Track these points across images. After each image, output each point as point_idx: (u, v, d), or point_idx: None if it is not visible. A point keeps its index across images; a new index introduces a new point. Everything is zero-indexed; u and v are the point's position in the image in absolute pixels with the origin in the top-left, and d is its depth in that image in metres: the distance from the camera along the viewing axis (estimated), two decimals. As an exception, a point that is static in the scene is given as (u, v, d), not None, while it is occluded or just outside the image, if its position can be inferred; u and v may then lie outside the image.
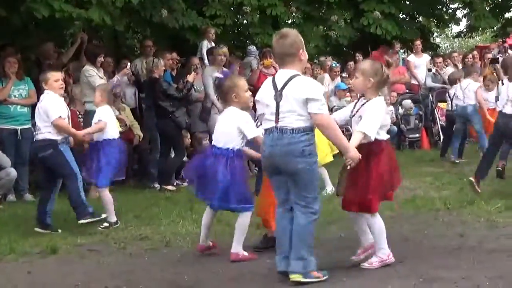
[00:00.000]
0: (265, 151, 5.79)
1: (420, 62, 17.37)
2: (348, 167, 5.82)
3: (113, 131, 8.85)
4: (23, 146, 10.88)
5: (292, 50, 5.71)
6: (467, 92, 12.82)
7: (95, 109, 10.67)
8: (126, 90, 12.85)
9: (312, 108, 5.55)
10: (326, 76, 16.26)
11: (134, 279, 6.10)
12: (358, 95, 6.63)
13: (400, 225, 7.40)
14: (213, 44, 14.39)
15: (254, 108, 12.55)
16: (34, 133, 8.67)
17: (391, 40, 18.67)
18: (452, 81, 14.20)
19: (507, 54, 17.41)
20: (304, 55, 5.79)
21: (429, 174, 11.75)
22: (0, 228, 8.52)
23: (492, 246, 6.58)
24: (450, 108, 14.16)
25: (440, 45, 35.55)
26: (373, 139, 5.90)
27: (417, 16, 22.13)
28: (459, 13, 22.96)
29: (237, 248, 6.62)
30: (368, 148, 5.91)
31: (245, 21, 18.20)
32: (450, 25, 24.73)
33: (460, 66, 16.52)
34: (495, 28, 22.67)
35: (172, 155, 11.94)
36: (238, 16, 18.06)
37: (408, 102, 16.48)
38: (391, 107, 16.11)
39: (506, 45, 18.57)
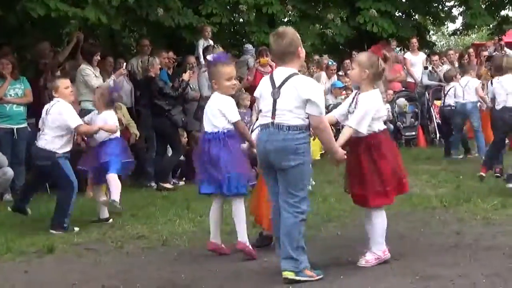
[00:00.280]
0: (260, 146, 5.81)
1: (416, 60, 17.41)
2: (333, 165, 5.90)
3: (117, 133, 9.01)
4: (19, 145, 10.91)
5: (291, 49, 5.73)
6: (467, 89, 12.88)
7: (91, 107, 10.74)
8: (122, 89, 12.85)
9: (311, 109, 5.58)
10: (323, 74, 16.25)
11: (131, 278, 6.09)
12: (353, 89, 6.66)
13: (397, 223, 7.40)
14: (210, 42, 14.39)
15: (250, 107, 12.64)
16: (38, 136, 8.59)
17: (387, 38, 18.70)
18: (448, 78, 14.26)
19: (503, 52, 17.44)
20: (302, 52, 5.82)
21: (426, 172, 11.76)
22: (-4, 227, 8.52)
23: (488, 243, 6.59)
24: (443, 105, 14.23)
25: (436, 43, 35.55)
26: (365, 133, 5.93)
27: (413, 14, 22.18)
28: (455, 11, 23.04)
29: (243, 237, 6.61)
30: (366, 142, 5.94)
31: (241, 20, 18.20)
32: (446, 23, 24.75)
33: (456, 64, 16.55)
34: (491, 25, 22.69)
35: (169, 154, 11.95)
36: (234, 15, 18.07)
37: (402, 100, 16.51)
38: (388, 105, 16.12)
39: (502, 43, 18.58)
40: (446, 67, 16.52)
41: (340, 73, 17.06)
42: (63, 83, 8.57)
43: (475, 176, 10.67)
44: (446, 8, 22.70)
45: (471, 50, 17.56)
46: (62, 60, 12.26)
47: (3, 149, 10.64)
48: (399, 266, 5.94)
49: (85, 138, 10.02)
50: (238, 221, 6.66)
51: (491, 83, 11.67)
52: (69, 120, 8.34)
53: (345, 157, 5.81)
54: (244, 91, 13.71)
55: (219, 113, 6.66)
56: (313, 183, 9.15)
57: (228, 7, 17.19)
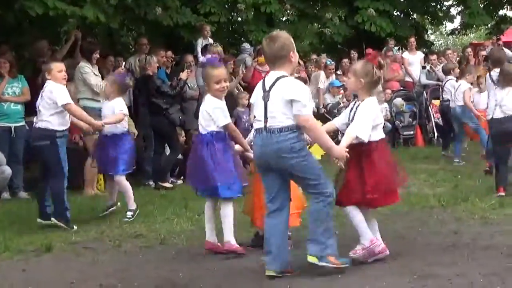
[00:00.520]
0: (257, 151, 5.88)
1: (414, 60, 17.43)
2: (340, 166, 5.89)
3: (126, 124, 9.05)
4: (17, 144, 10.94)
5: (282, 53, 5.76)
6: (457, 93, 12.80)
7: (90, 105, 10.76)
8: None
9: (296, 109, 5.62)
10: (322, 73, 16.27)
11: (129, 276, 6.09)
12: (352, 95, 6.71)
13: (394, 222, 7.41)
14: (209, 41, 14.39)
15: (249, 106, 12.66)
16: (34, 121, 8.59)
17: (385, 37, 18.72)
18: (446, 71, 14.20)
19: (503, 52, 17.41)
20: (295, 57, 5.85)
21: (424, 171, 11.77)
22: (-6, 226, 8.52)
23: (486, 243, 6.59)
24: (442, 99, 14.20)
25: (434, 42, 35.61)
26: (366, 141, 5.96)
27: (411, 13, 22.21)
28: (453, 10, 23.10)
29: (229, 237, 6.68)
30: (359, 149, 5.96)
31: (239, 19, 18.22)
32: (444, 22, 24.79)
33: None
34: (489, 25, 22.73)
35: (167, 153, 11.95)
36: (232, 14, 18.09)
37: (398, 100, 16.54)
38: (385, 104, 16.15)
39: (500, 42, 18.60)
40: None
41: (338, 72, 17.08)
42: (57, 67, 8.54)
43: (473, 176, 10.67)
44: (444, 8, 22.76)
45: (469, 49, 17.55)
46: (60, 59, 12.24)
47: (1, 148, 10.67)
48: (397, 265, 5.94)
49: (82, 136, 10.06)
50: (224, 222, 6.73)
51: (490, 77, 11.62)
52: (58, 97, 8.26)
53: (346, 153, 5.80)
54: (242, 90, 13.74)
55: (208, 116, 6.75)
56: None
57: (226, 6, 17.22)
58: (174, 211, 8.93)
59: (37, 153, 8.60)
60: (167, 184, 11.44)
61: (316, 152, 6.11)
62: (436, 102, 16.21)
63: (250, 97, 12.77)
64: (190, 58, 13.37)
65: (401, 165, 6.56)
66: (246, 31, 17.72)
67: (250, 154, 6.83)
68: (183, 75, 11.84)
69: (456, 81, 13.43)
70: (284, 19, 19.59)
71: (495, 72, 11.23)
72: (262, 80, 5.92)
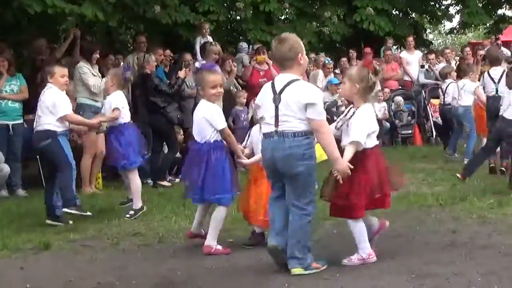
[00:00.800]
0: (266, 155, 5.87)
1: (412, 59, 17.43)
2: (337, 177, 5.88)
3: (126, 115, 8.99)
4: (15, 141, 10.95)
5: (290, 55, 5.77)
6: (462, 93, 12.80)
7: (86, 102, 10.75)
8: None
9: (311, 113, 5.62)
10: (320, 72, 16.27)
11: (127, 274, 6.10)
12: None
13: (393, 221, 7.35)
14: (208, 39, 14.37)
15: (247, 104, 12.68)
16: (34, 124, 8.61)
17: (384, 36, 18.73)
18: (443, 75, 14.28)
19: (500, 51, 17.45)
20: (304, 59, 5.85)
21: (422, 171, 11.78)
22: (-8, 223, 8.53)
23: (484, 242, 6.61)
24: (442, 103, 14.23)
25: (433, 41, 35.64)
26: (366, 146, 5.97)
27: (410, 12, 22.22)
28: (452, 10, 23.10)
29: (210, 242, 6.72)
30: (353, 156, 5.93)
31: (238, 17, 18.20)
32: (443, 22, 24.81)
33: (453, 62, 16.55)
34: (487, 24, 22.74)
35: (165, 151, 11.95)
36: (231, 12, 18.07)
37: (399, 98, 16.55)
38: (384, 104, 16.17)
39: (499, 42, 18.62)
40: (442, 66, 16.51)
41: (336, 71, 17.08)
42: (60, 71, 8.58)
43: (471, 175, 10.66)
44: (443, 7, 22.77)
45: (467, 48, 17.56)
46: (59, 57, 12.26)
47: (-1, 145, 10.66)
48: (395, 264, 5.96)
49: (80, 134, 10.07)
50: (213, 225, 6.75)
51: (489, 75, 11.64)
52: (60, 107, 8.35)
53: (349, 169, 5.78)
54: (240, 88, 13.75)
55: (205, 122, 6.77)
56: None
57: (225, 4, 17.22)
58: (172, 209, 8.93)
59: (42, 154, 8.66)
60: (165, 183, 11.44)
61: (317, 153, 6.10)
62: (435, 102, 16.23)
63: (248, 96, 12.89)
64: (188, 56, 13.38)
65: (398, 168, 6.60)
66: (245, 30, 17.71)
67: (244, 160, 6.87)
68: (181, 74, 11.85)
69: (454, 80, 13.47)
70: (282, 17, 19.61)
71: (494, 70, 11.27)
72: (271, 82, 5.91)
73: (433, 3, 22.27)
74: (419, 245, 6.64)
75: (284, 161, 5.69)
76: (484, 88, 12.04)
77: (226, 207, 6.81)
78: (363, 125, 5.98)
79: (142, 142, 9.19)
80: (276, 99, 5.72)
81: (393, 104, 16.59)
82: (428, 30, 30.85)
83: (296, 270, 5.75)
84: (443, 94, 14.10)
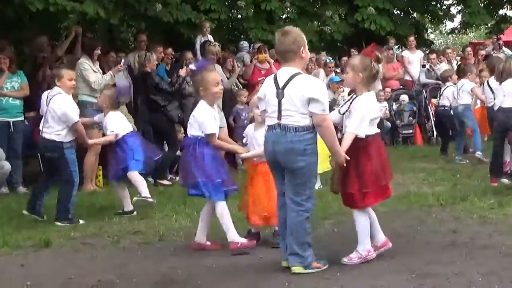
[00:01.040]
0: (268, 147, 5.87)
1: (414, 58, 17.43)
2: (332, 165, 5.98)
3: (127, 127, 9.05)
4: (16, 138, 10.94)
5: (292, 47, 5.77)
6: (461, 93, 12.89)
7: (87, 99, 10.76)
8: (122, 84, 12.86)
9: (315, 108, 5.62)
10: (321, 71, 16.27)
11: (127, 272, 6.11)
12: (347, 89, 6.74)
13: (393, 221, 7.42)
14: (208, 37, 14.38)
15: (248, 103, 12.66)
16: (41, 127, 8.60)
17: (385, 36, 18.72)
18: (444, 78, 14.33)
19: (502, 51, 17.47)
20: (306, 53, 5.86)
21: (422, 170, 11.82)
22: (-8, 221, 8.54)
23: (484, 242, 6.62)
24: (438, 105, 14.36)
25: (434, 41, 35.61)
26: (363, 136, 5.97)
27: (411, 12, 22.21)
28: (453, 10, 23.07)
29: (232, 237, 6.71)
30: (355, 143, 5.96)
31: (239, 16, 18.19)
32: (444, 21, 24.78)
33: (454, 62, 16.57)
34: (489, 24, 22.74)
35: (166, 149, 11.96)
36: (232, 11, 18.07)
37: (405, 97, 16.58)
38: (385, 103, 16.18)
39: (500, 42, 18.61)
40: (444, 65, 16.54)
41: (337, 70, 17.07)
42: (68, 74, 8.59)
43: (472, 175, 10.70)
44: (444, 7, 22.74)
45: (469, 48, 17.55)
46: (61, 54, 12.26)
47: (0, 143, 10.66)
48: (395, 263, 5.98)
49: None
50: (222, 222, 6.78)
51: (488, 85, 11.68)
52: (70, 114, 8.38)
53: (345, 160, 5.83)
54: (241, 87, 13.76)
55: (195, 122, 6.80)
56: (321, 186, 9.22)
57: (226, 3, 17.22)
58: (172, 207, 8.94)
59: (47, 162, 8.65)
60: (165, 181, 11.45)
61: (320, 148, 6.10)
62: (435, 101, 16.24)
63: (249, 95, 12.89)
64: (189, 55, 13.37)
65: (394, 163, 6.63)
66: (246, 28, 17.71)
67: (243, 154, 6.88)
68: (182, 72, 11.84)
69: (455, 83, 13.52)
70: (284, 16, 19.59)
71: (493, 80, 11.30)
72: (273, 76, 5.92)
73: (434, 3, 22.25)
74: (420, 244, 6.65)
75: (285, 155, 5.70)
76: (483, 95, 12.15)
77: (222, 201, 6.79)
78: (364, 116, 5.98)
79: (149, 147, 9.31)
80: (279, 93, 5.72)
81: (394, 103, 16.62)
82: (430, 30, 30.83)
83: (296, 269, 5.76)
84: (439, 96, 14.19)
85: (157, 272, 6.09)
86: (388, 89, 16.64)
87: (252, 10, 17.29)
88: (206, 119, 6.75)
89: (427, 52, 19.31)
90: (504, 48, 17.79)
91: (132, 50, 14.40)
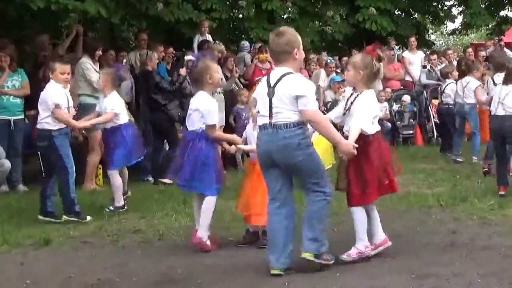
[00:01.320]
0: (261, 147, 5.88)
1: (414, 59, 17.45)
2: (344, 158, 5.98)
3: (123, 117, 9.03)
4: (16, 137, 10.95)
5: (286, 48, 5.78)
6: (466, 91, 12.83)
7: (89, 101, 10.76)
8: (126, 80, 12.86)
9: (302, 105, 5.65)
10: (322, 71, 16.30)
11: (127, 271, 6.12)
12: (349, 89, 6.74)
13: (393, 221, 7.44)
14: (206, 37, 14.38)
15: (247, 102, 12.61)
16: (38, 120, 8.65)
17: (386, 36, 18.75)
18: (444, 75, 14.36)
19: (504, 53, 17.44)
20: (300, 54, 5.87)
21: (423, 171, 11.85)
22: (-7, 219, 8.55)
23: (484, 243, 6.65)
24: (441, 103, 14.32)
25: (435, 42, 35.62)
26: (369, 133, 6.02)
27: (412, 12, 22.24)
28: (454, 10, 23.13)
29: (201, 233, 6.78)
30: (357, 142, 5.95)
31: (240, 15, 18.21)
32: (445, 22, 24.83)
33: (454, 63, 16.56)
34: (490, 25, 22.76)
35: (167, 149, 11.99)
36: (233, 10, 18.08)
37: (407, 97, 16.60)
38: (385, 104, 16.19)
39: (502, 43, 18.61)
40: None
41: (338, 70, 17.09)
42: (60, 68, 8.58)
43: (472, 176, 10.71)
44: (445, 8, 22.80)
45: (470, 49, 17.57)
46: (62, 53, 12.27)
47: (0, 141, 10.67)
48: (395, 264, 6.00)
49: (83, 132, 10.09)
50: (203, 216, 6.83)
51: (493, 81, 11.66)
52: (49, 99, 8.37)
53: (354, 149, 5.83)
54: (242, 87, 13.76)
55: (198, 113, 6.85)
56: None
57: (227, 2, 17.24)
58: (172, 207, 8.96)
59: (42, 155, 8.67)
60: (166, 180, 11.42)
61: (317, 145, 6.12)
62: (437, 102, 16.24)
63: (249, 94, 12.88)
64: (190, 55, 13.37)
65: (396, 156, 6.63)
66: (247, 28, 17.74)
67: (242, 146, 6.96)
68: (182, 71, 11.86)
69: (457, 82, 13.48)
70: (285, 16, 19.61)
71: (498, 76, 11.23)
72: (266, 76, 5.95)
73: (435, 3, 22.32)
74: (420, 245, 6.67)
75: (280, 152, 5.71)
76: (488, 94, 12.09)
77: (213, 197, 6.84)
78: (366, 112, 6.04)
79: (139, 143, 9.29)
80: (270, 92, 5.76)
81: (395, 104, 16.63)
82: (431, 31, 30.86)
83: (308, 255, 5.79)
84: (441, 94, 14.18)
85: (156, 271, 6.10)
86: (388, 89, 16.66)
87: (253, 10, 17.32)
88: (211, 109, 6.82)
89: (428, 52, 19.34)
90: (505, 49, 17.77)
91: (133, 49, 14.41)
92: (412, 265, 5.91)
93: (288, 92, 5.66)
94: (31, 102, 10.82)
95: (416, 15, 22.64)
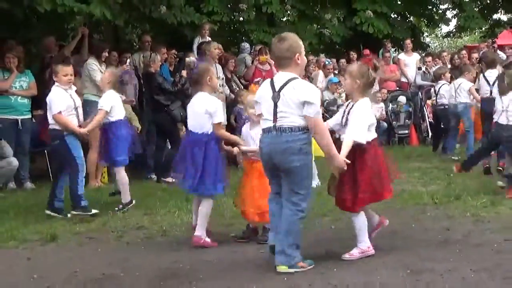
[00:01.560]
0: (264, 149, 5.92)
1: (410, 61, 17.57)
2: (335, 174, 6.09)
3: (119, 113, 9.11)
4: (23, 136, 11.12)
5: (287, 54, 5.83)
6: (459, 91, 12.97)
7: (91, 98, 10.86)
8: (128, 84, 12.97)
9: (308, 111, 5.69)
10: (320, 73, 16.47)
11: (131, 266, 6.21)
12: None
13: (389, 219, 7.39)
14: (206, 39, 14.48)
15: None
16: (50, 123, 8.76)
17: (382, 38, 18.86)
18: (437, 76, 14.44)
19: (496, 54, 17.58)
20: (302, 60, 5.91)
21: (417, 170, 11.90)
22: (0, 215, 8.64)
23: (477, 240, 6.71)
24: (436, 104, 14.45)
25: (430, 44, 35.70)
26: (364, 142, 6.09)
27: (408, 16, 22.30)
28: (448, 14, 23.24)
29: (199, 232, 6.88)
30: (353, 149, 6.07)
31: (241, 18, 18.27)
32: (440, 25, 24.92)
33: (449, 65, 16.72)
34: (483, 28, 22.88)
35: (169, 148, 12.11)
36: (234, 13, 18.13)
37: (403, 98, 16.74)
38: (382, 104, 16.35)
39: (495, 45, 18.74)
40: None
41: (336, 72, 17.23)
42: (63, 70, 8.71)
43: (466, 174, 10.76)
44: (440, 11, 22.89)
45: (463, 52, 17.74)
46: (68, 54, 12.37)
47: (8, 139, 10.80)
48: (391, 260, 6.06)
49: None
50: (200, 216, 6.93)
51: (485, 77, 11.81)
52: (52, 104, 8.54)
53: (345, 164, 5.92)
54: (242, 88, 13.87)
55: (206, 113, 6.91)
56: (319, 183, 9.36)
57: (229, 5, 17.27)
58: (175, 204, 9.01)
59: (53, 154, 8.80)
60: (169, 179, 11.50)
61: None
62: (431, 103, 16.37)
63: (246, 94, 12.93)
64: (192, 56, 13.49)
65: (393, 161, 6.72)
66: (248, 31, 17.83)
67: (243, 147, 7.00)
68: (184, 73, 12.00)
69: (450, 83, 13.65)
70: (284, 19, 19.72)
71: (489, 73, 11.41)
72: (270, 80, 5.97)
73: (430, 7, 22.38)
74: (415, 242, 6.73)
75: (281, 155, 5.73)
76: (479, 90, 12.25)
77: (210, 200, 6.96)
78: (361, 122, 6.11)
79: (133, 140, 9.35)
80: (275, 96, 5.77)
81: (391, 104, 16.76)
82: (426, 34, 30.94)
83: (281, 268, 5.78)
84: (436, 95, 14.32)
85: (159, 266, 6.18)
86: (384, 90, 16.81)
87: (254, 13, 17.38)
88: (218, 108, 6.94)
89: (423, 54, 19.45)
90: (498, 52, 17.91)
91: (137, 50, 14.52)
92: (407, 261, 5.96)
93: (296, 97, 5.68)
94: (38, 102, 10.98)
95: (411, 18, 22.70)
